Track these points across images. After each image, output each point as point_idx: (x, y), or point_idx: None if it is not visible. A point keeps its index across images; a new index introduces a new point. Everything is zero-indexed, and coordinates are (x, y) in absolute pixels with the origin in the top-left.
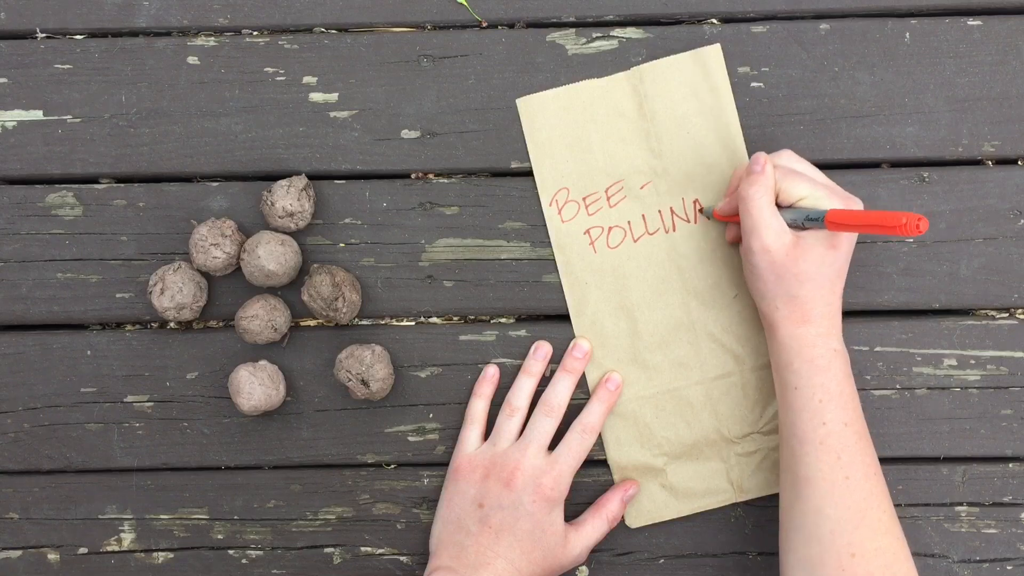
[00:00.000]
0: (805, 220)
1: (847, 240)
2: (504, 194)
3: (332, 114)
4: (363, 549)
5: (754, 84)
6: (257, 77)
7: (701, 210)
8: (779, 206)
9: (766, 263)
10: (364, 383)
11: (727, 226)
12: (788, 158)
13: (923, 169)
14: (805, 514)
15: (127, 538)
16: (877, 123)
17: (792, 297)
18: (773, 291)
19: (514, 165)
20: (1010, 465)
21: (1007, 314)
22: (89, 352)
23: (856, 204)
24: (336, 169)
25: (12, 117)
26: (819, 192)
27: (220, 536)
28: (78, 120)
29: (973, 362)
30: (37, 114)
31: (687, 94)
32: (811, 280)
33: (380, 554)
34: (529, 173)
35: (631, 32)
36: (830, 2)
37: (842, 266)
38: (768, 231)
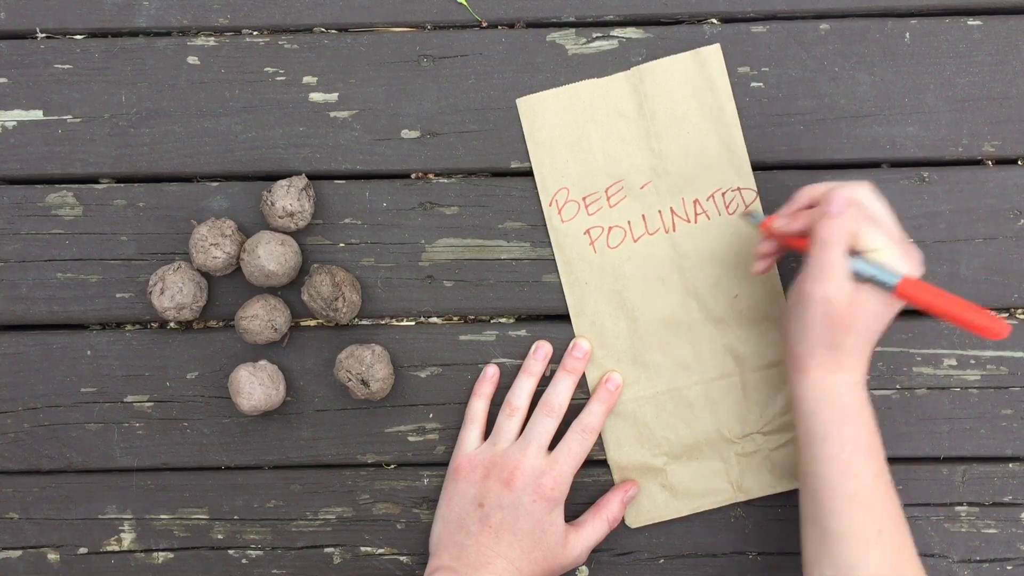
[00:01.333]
0: (873, 279)
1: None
2: (504, 194)
3: (332, 114)
4: (363, 549)
5: (754, 84)
6: (257, 77)
7: (748, 212)
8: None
9: (822, 313)
10: (364, 383)
11: (761, 241)
12: (866, 194)
13: (923, 169)
14: (836, 571)
15: (127, 538)
16: (877, 123)
17: (836, 346)
18: (817, 337)
19: (514, 165)
20: (1010, 465)
21: (1007, 314)
22: (89, 352)
23: (918, 261)
24: (336, 169)
25: (12, 117)
26: (894, 249)
27: (220, 536)
28: (78, 120)
29: (973, 362)
30: (37, 114)
31: (687, 94)
32: (858, 333)
33: (380, 554)
34: (529, 173)
35: (631, 32)
36: (830, 2)
37: (889, 321)
38: (834, 282)
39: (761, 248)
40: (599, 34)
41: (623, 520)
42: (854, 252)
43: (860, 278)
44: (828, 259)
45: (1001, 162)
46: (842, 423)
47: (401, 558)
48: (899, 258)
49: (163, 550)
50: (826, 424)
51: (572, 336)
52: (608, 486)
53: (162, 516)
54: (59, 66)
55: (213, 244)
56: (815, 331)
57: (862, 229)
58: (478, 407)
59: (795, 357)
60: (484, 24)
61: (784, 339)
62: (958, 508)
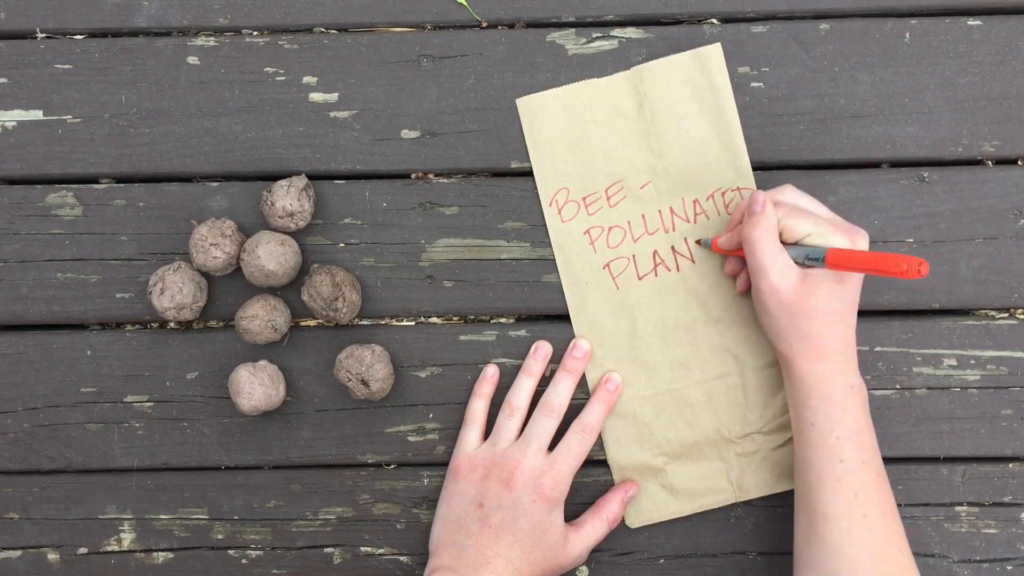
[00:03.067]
0: (805, 259)
1: (855, 274)
2: (504, 194)
3: (332, 114)
4: (363, 549)
5: (754, 84)
6: (257, 77)
7: (699, 242)
8: (784, 243)
9: (775, 302)
10: (364, 383)
11: (726, 259)
12: (790, 193)
13: (923, 169)
14: (822, 552)
15: (127, 538)
16: (877, 123)
17: (805, 334)
18: (786, 329)
19: (514, 165)
20: (1010, 465)
21: (1007, 314)
22: (89, 352)
23: (861, 237)
24: (336, 169)
25: (12, 117)
26: (823, 228)
27: (220, 536)
28: (78, 120)
29: (973, 362)
30: (37, 114)
31: (687, 94)
32: (822, 316)
33: (380, 554)
34: (529, 173)
35: (631, 32)
36: (830, 2)
37: (852, 300)
38: (774, 271)
39: (727, 268)
40: (599, 34)
41: (623, 520)
42: (792, 244)
43: (801, 263)
44: (759, 252)
45: (1001, 162)
46: (829, 410)
47: (401, 558)
48: (829, 234)
49: (163, 550)
50: (814, 411)
51: (572, 336)
52: (608, 486)
53: (162, 516)
54: (59, 66)
55: (213, 244)
56: (780, 323)
57: (790, 221)
58: (478, 407)
59: (779, 354)
60: (484, 24)
61: (768, 340)
62: (958, 508)
